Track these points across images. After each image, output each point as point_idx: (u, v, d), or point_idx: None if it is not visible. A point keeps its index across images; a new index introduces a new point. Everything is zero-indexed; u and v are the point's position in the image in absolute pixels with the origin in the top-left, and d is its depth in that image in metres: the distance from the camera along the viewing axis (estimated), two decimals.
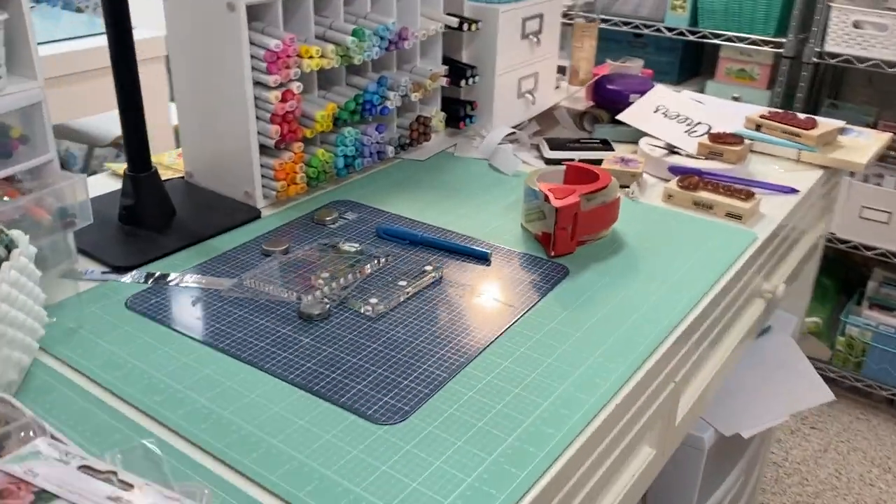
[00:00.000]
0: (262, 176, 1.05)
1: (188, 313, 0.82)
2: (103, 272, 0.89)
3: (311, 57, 1.02)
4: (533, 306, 0.85)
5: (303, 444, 0.65)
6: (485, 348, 0.78)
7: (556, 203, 0.93)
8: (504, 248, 0.98)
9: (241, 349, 0.76)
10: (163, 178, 1.13)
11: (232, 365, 0.74)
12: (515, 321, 0.82)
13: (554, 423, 0.68)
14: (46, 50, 1.84)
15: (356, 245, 0.94)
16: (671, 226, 1.05)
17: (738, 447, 1.32)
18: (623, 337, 0.80)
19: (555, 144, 1.29)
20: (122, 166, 1.16)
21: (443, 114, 1.30)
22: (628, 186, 1.16)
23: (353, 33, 1.06)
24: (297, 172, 1.06)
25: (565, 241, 0.95)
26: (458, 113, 1.32)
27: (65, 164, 2.73)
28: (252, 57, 0.98)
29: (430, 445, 0.65)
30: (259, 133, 1.02)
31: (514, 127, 1.35)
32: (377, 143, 1.18)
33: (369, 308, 0.82)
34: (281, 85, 1.01)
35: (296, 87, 1.02)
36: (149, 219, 0.99)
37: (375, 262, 0.91)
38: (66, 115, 2.34)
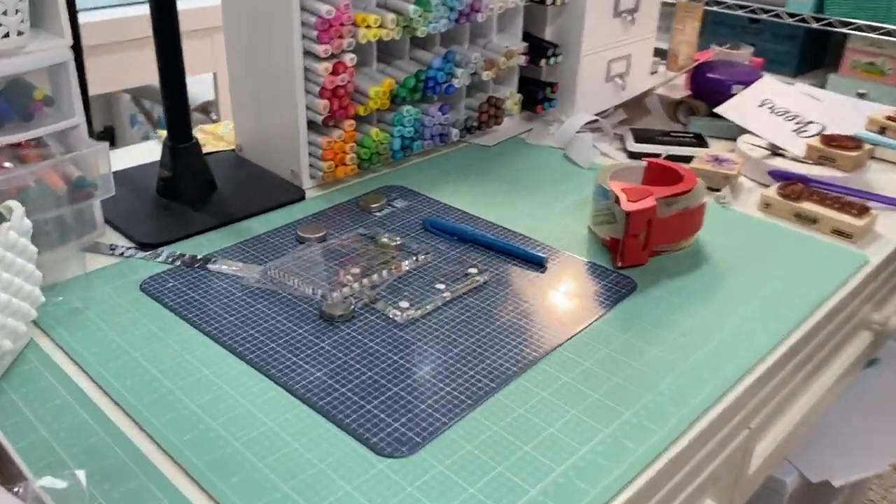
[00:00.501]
0: (310, 154, 0.97)
1: (203, 302, 0.74)
2: (127, 248, 0.84)
3: (367, 26, 0.93)
4: (588, 326, 0.74)
5: (291, 472, 0.56)
6: (521, 373, 0.67)
7: (626, 206, 0.81)
8: (564, 254, 0.86)
9: (249, 349, 0.68)
10: (213, 149, 1.07)
11: (235, 366, 0.66)
12: (563, 343, 0.71)
13: (590, 477, 0.57)
14: (126, 11, 1.82)
15: (397, 238, 0.84)
16: (765, 240, 0.91)
17: (827, 494, 1.17)
18: (691, 371, 0.68)
19: (641, 136, 1.15)
20: None
21: (518, 95, 1.18)
22: (720, 190, 1.01)
23: (417, 2, 0.96)
24: (347, 153, 0.98)
25: (635, 250, 0.83)
26: (536, 95, 1.20)
27: (156, 128, 2.75)
28: (303, 24, 0.90)
29: (435, 489, 0.55)
30: (307, 108, 0.94)
31: (597, 114, 1.22)
32: (440, 124, 1.08)
33: (398, 312, 0.73)
34: (332, 56, 0.92)
35: (349, 59, 0.93)
36: (185, 193, 0.93)
37: (413, 259, 0.81)
38: (152, 78, 2.35)
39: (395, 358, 0.68)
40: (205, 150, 1.07)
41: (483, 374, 0.66)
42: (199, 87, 2.44)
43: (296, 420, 0.61)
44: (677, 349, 0.71)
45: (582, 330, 0.73)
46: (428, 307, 0.75)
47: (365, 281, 0.76)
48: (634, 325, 0.74)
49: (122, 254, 0.82)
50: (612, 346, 0.71)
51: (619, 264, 0.83)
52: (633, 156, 1.12)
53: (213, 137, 1.11)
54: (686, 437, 0.61)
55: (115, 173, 0.99)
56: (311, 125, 0.96)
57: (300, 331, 0.71)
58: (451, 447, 0.59)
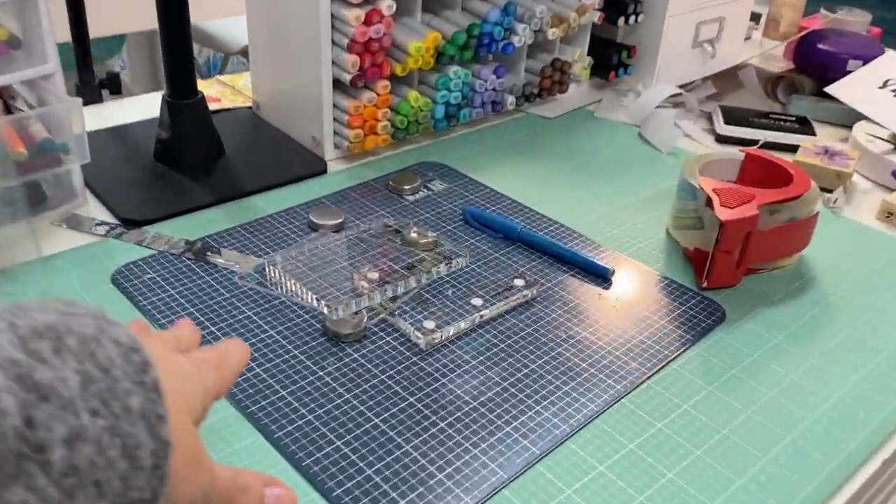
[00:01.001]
0: (335, 120, 0.82)
1: (182, 303, 0.60)
2: (107, 225, 0.70)
3: None
4: (661, 369, 0.57)
5: None
6: (570, 436, 0.51)
7: (722, 214, 0.63)
8: (635, 264, 0.69)
9: None
10: (229, 105, 0.92)
11: None
12: (627, 394, 0.55)
13: None
14: None
15: (430, 233, 0.68)
16: (889, 259, 0.73)
17: None
18: (794, 451, 0.51)
19: (733, 116, 0.96)
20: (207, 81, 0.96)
21: (589, 59, 1.00)
22: (830, 191, 0.83)
23: None
24: (379, 120, 0.82)
25: (727, 269, 0.66)
26: (610, 60, 1.02)
27: (202, 74, 2.61)
28: None
29: None
30: (334, 63, 0.78)
31: (681, 86, 1.03)
32: (493, 90, 0.91)
33: (420, 336, 0.58)
34: (365, 2, 0.75)
35: (385, 5, 0.76)
36: (185, 159, 0.78)
37: (445, 264, 0.65)
38: (196, 17, 2.21)
39: (412, 399, 0.53)
40: (219, 105, 0.92)
41: (520, 432, 0.51)
42: (240, 29, 2.29)
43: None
44: (778, 413, 0.54)
45: (652, 375, 0.57)
46: (458, 329, 0.59)
47: (384, 290, 0.61)
48: (721, 373, 0.57)
49: (104, 232, 0.69)
50: (692, 401, 0.55)
51: (705, 285, 0.66)
52: (722, 140, 0.94)
53: (230, 91, 0.96)
54: None
55: (112, 129, 0.86)
56: (338, 85, 0.80)
57: (296, 352, 0.56)
58: None
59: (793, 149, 0.92)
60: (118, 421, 0.24)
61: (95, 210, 0.72)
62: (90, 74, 0.91)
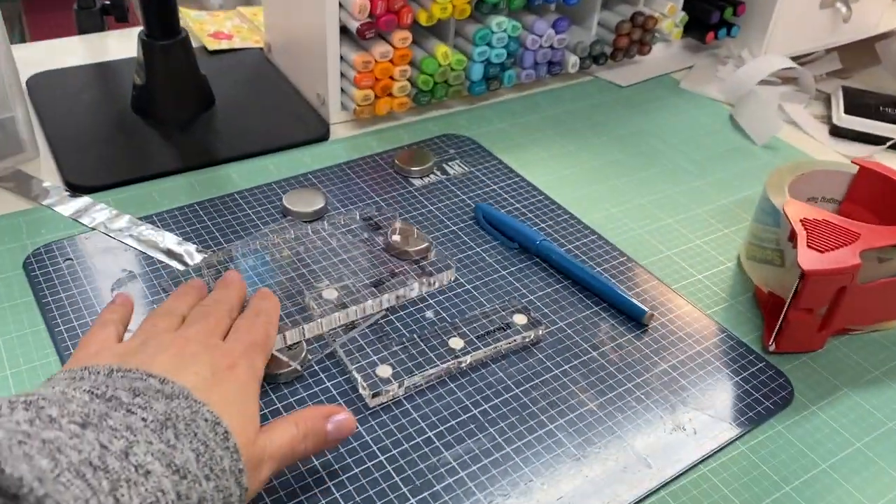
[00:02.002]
0: (343, 76, 0.67)
1: (89, 304, 0.49)
2: (55, 188, 0.59)
3: None
4: (681, 475, 0.42)
5: None
6: None
7: (805, 262, 0.46)
8: (684, 304, 0.53)
9: None
10: (240, 45, 0.79)
11: None
12: (637, 501, 0.40)
13: None
14: None
15: (423, 241, 0.54)
16: None
17: None
18: None
19: (858, 103, 0.75)
20: (202, 18, 0.84)
21: (683, 14, 0.81)
22: None
23: None
24: (396, 79, 0.67)
25: (805, 331, 0.49)
26: (709, 17, 0.82)
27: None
28: None
29: None
30: (341, 6, 0.63)
31: (797, 58, 0.82)
32: (551, 47, 0.73)
33: (365, 388, 0.44)
34: None
35: None
36: (161, 111, 0.66)
37: (426, 282, 0.51)
38: None
39: (343, 490, 0.40)
40: (230, 44, 0.79)
41: None
42: None
43: None
44: None
45: (667, 484, 0.41)
46: (422, 380, 0.45)
47: (338, 316, 0.48)
48: (770, 489, 0.41)
49: (48, 198, 0.58)
50: None
51: (772, 348, 0.49)
52: (839, 133, 0.74)
53: (248, 28, 0.83)
54: None
55: (98, 66, 0.74)
56: (346, 34, 0.65)
57: None
58: None
59: None
60: (220, 480, 0.31)
61: (46, 168, 0.61)
62: None
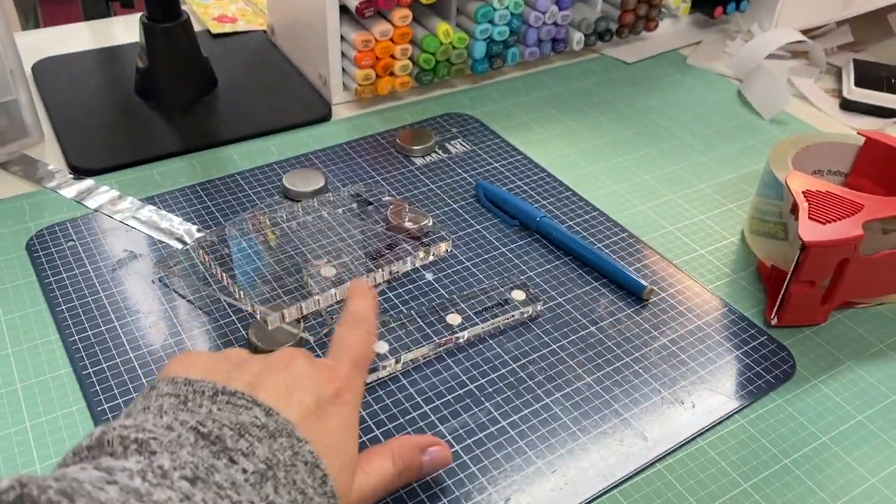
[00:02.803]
0: (344, 56, 0.67)
1: (91, 284, 0.49)
2: (59, 172, 0.59)
3: None
4: (678, 448, 0.41)
5: None
6: None
7: (806, 233, 0.45)
8: (687, 279, 0.52)
9: (109, 392, 0.43)
10: (244, 28, 0.80)
11: (72, 424, 0.41)
12: (625, 480, 0.40)
13: None
14: None
15: (424, 217, 0.54)
16: None
17: None
18: None
19: (869, 75, 0.74)
20: (206, 2, 0.84)
21: None
22: None
23: None
24: (397, 58, 0.66)
25: (808, 304, 0.48)
26: None
27: None
28: None
29: None
30: None
31: (807, 32, 0.81)
32: (555, 24, 0.73)
33: None
34: None
35: None
36: (163, 94, 0.67)
37: (423, 253, 0.51)
38: None
39: None
40: (234, 27, 0.79)
41: None
42: None
43: None
44: None
45: (665, 457, 0.41)
46: (419, 355, 0.45)
47: (338, 291, 0.48)
48: (769, 462, 0.41)
49: (55, 182, 0.58)
50: (724, 499, 0.39)
51: (774, 321, 0.49)
52: (850, 107, 0.72)
53: (252, 11, 0.83)
54: None
55: (103, 51, 0.75)
56: (346, 13, 0.65)
57: None
58: None
59: None
60: None
61: (51, 152, 0.62)
62: None
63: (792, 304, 0.47)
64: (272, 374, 0.33)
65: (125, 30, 0.81)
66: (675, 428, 0.42)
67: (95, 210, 0.55)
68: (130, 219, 0.55)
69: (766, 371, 0.46)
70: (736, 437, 0.42)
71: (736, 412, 0.43)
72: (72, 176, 0.59)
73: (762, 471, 0.41)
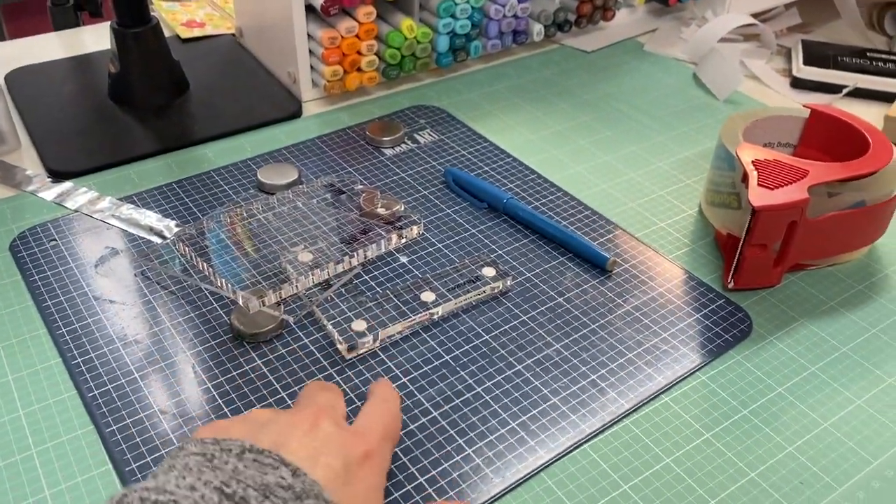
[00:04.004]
0: (312, 53, 0.69)
1: (76, 280, 0.51)
2: (37, 176, 0.61)
3: None
4: (638, 408, 0.44)
5: None
6: (500, 495, 0.39)
7: (755, 199, 0.48)
8: (647, 250, 0.55)
9: (98, 381, 0.44)
10: (213, 32, 0.81)
11: (68, 411, 0.43)
12: (585, 442, 0.42)
13: None
14: None
15: (396, 204, 0.56)
16: None
17: None
18: None
19: (817, 54, 0.77)
20: (174, 9, 0.85)
21: None
22: None
23: None
24: (364, 54, 0.69)
25: (761, 267, 0.51)
26: None
27: None
28: None
29: None
30: None
31: (758, 15, 0.84)
32: (515, 16, 0.75)
33: (341, 341, 0.46)
34: None
35: None
36: (136, 98, 0.68)
37: (396, 236, 0.53)
38: None
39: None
40: (203, 32, 0.81)
41: (438, 486, 0.39)
42: None
43: None
44: (793, 479, 0.40)
45: (630, 413, 0.43)
46: (397, 331, 0.48)
47: (313, 274, 0.50)
48: (728, 413, 0.44)
49: (34, 186, 0.60)
50: (679, 453, 0.41)
51: (731, 285, 0.51)
52: (800, 84, 0.76)
53: (220, 15, 0.85)
54: None
55: (74, 59, 0.76)
56: (313, 12, 0.67)
57: (189, 353, 0.46)
58: None
59: (891, 98, 0.73)
60: None
61: (28, 158, 0.63)
62: None
63: (746, 267, 0.50)
64: (298, 433, 0.33)
65: (94, 38, 0.82)
66: (641, 386, 0.45)
67: (75, 210, 0.57)
68: (110, 217, 0.56)
69: (725, 331, 0.49)
70: (698, 392, 0.45)
71: (697, 369, 0.46)
72: (50, 179, 0.60)
73: (723, 421, 0.43)
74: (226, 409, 0.43)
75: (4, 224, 0.56)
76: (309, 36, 0.68)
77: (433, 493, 0.39)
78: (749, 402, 0.44)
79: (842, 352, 0.48)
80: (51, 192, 0.59)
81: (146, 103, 0.68)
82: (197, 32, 0.81)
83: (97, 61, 0.75)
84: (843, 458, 0.41)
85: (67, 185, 0.60)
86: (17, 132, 0.64)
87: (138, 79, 0.68)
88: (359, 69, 0.69)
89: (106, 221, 0.56)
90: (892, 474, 0.41)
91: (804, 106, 0.58)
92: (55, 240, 0.54)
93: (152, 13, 0.67)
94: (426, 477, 0.39)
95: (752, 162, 0.51)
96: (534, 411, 0.43)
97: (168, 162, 0.63)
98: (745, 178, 0.51)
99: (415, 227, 0.54)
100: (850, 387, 0.45)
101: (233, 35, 0.81)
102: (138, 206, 0.58)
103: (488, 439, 0.41)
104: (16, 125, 0.64)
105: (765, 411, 0.44)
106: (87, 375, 0.44)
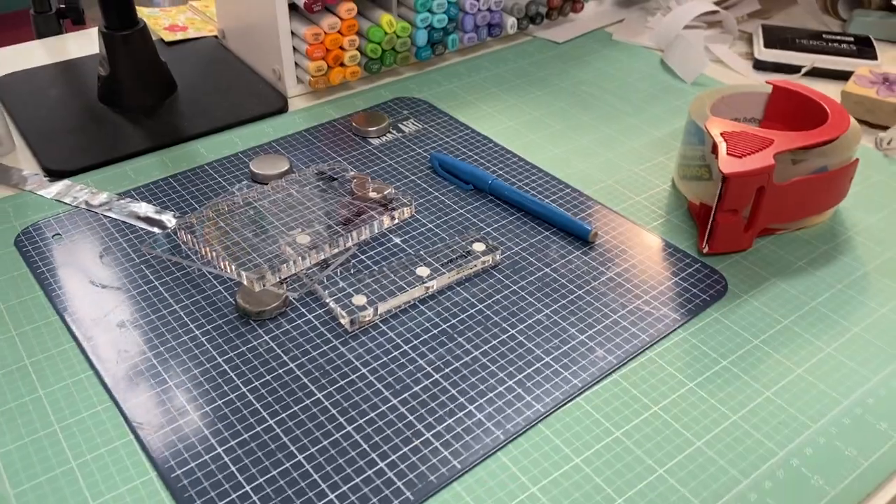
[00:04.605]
0: (296, 50, 0.71)
1: (83, 268, 0.53)
2: (34, 176, 0.62)
3: None
4: (625, 363, 0.47)
5: None
6: (502, 445, 0.42)
7: (725, 166, 0.51)
8: (626, 222, 0.58)
9: (110, 359, 0.46)
10: (195, 35, 0.83)
11: (85, 390, 0.45)
12: (578, 395, 0.45)
13: None
14: None
15: (387, 187, 0.59)
16: None
17: None
18: (787, 473, 0.41)
19: (776, 38, 0.82)
20: (155, 14, 0.87)
21: None
22: (885, 128, 0.69)
23: None
24: (346, 49, 0.71)
25: (733, 232, 0.54)
26: None
27: None
28: None
29: None
30: None
31: (719, 3, 0.88)
32: (489, 10, 0.78)
33: (344, 315, 0.49)
34: None
35: None
36: (126, 99, 0.70)
37: (388, 216, 0.56)
38: None
39: (322, 395, 0.44)
40: (185, 35, 0.83)
41: (451, 434, 0.42)
42: None
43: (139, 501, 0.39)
44: (772, 420, 0.43)
45: (619, 367, 0.46)
46: (396, 304, 0.50)
47: (313, 254, 0.52)
48: (709, 364, 0.47)
49: (32, 185, 0.61)
50: (665, 401, 0.44)
51: (705, 250, 0.55)
52: (762, 66, 0.80)
53: (201, 19, 0.87)
54: None
55: (61, 64, 0.78)
56: (298, 9, 0.70)
57: (198, 332, 0.48)
58: None
59: (846, 76, 0.77)
60: None
61: (24, 159, 0.65)
62: (45, 3, 0.83)
63: (719, 232, 0.54)
64: None
65: (78, 45, 0.84)
66: (626, 344, 0.48)
67: (75, 206, 0.59)
68: (109, 211, 0.58)
69: (702, 292, 0.52)
70: (680, 347, 0.48)
71: (679, 327, 0.49)
72: (48, 179, 0.62)
73: (705, 372, 0.46)
74: (238, 382, 0.45)
75: (7, 221, 0.57)
76: (292, 34, 0.70)
77: (439, 447, 0.41)
78: (728, 353, 0.48)
79: (810, 306, 0.51)
80: (50, 190, 0.60)
81: (136, 104, 0.70)
82: (180, 36, 0.83)
83: (83, 66, 0.77)
84: (817, 399, 0.45)
85: (66, 182, 0.61)
86: (11, 135, 0.65)
87: (128, 80, 0.69)
88: (342, 64, 0.72)
89: (106, 215, 0.58)
90: (860, 412, 0.44)
91: (767, 82, 0.62)
92: (59, 234, 0.56)
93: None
94: (432, 432, 0.42)
95: (721, 134, 0.54)
96: (528, 370, 0.46)
97: (162, 158, 0.65)
98: (714, 149, 0.54)
99: (406, 209, 0.56)
100: (819, 336, 0.49)
101: (215, 37, 0.83)
102: (137, 200, 0.60)
103: (488, 396, 0.44)
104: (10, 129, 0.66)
105: (743, 361, 0.47)
106: (101, 357, 0.46)
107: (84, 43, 0.84)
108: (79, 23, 0.84)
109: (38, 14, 0.84)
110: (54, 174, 0.62)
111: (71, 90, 0.73)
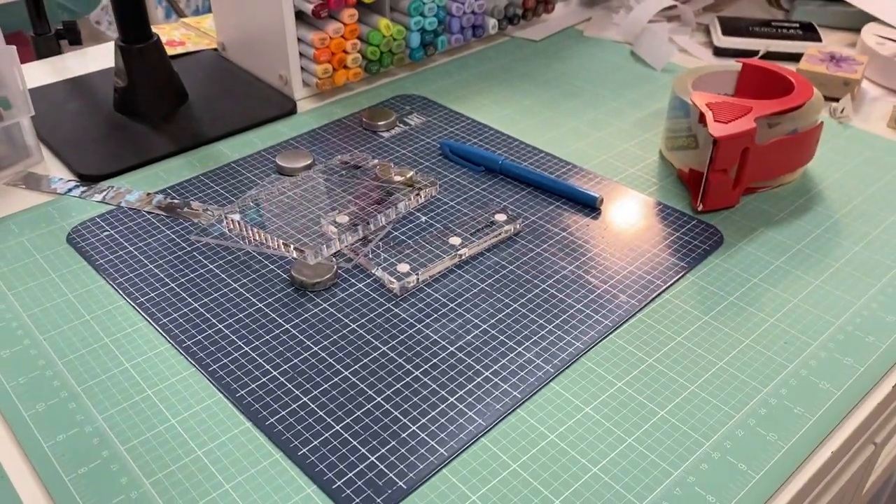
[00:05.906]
0: (302, 55, 0.76)
1: (141, 260, 0.57)
2: (68, 182, 0.66)
3: None
4: (649, 303, 0.53)
5: None
6: (550, 379, 0.48)
7: (715, 130, 0.58)
8: (626, 190, 0.65)
9: (187, 333, 0.50)
10: (194, 48, 0.87)
11: (167, 360, 0.49)
12: (612, 332, 0.51)
13: None
14: None
15: (409, 171, 0.64)
16: None
17: None
18: (796, 380, 0.48)
19: (732, 27, 0.90)
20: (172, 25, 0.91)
21: None
22: (837, 100, 0.77)
23: None
24: (349, 52, 0.77)
25: (723, 189, 0.61)
26: None
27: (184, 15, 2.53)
28: None
29: None
30: None
31: None
32: (473, 13, 0.85)
33: (393, 281, 0.54)
34: None
35: None
36: (145, 107, 0.74)
37: (415, 195, 0.61)
38: None
39: (385, 349, 0.49)
40: (184, 49, 0.87)
41: (500, 376, 0.47)
42: None
43: (237, 448, 0.43)
44: (780, 341, 0.50)
45: (643, 307, 0.53)
46: (435, 270, 0.55)
47: (356, 230, 0.57)
48: (718, 301, 0.53)
49: (64, 190, 0.65)
50: (686, 332, 0.51)
51: (700, 208, 0.62)
52: (721, 52, 0.88)
53: (195, 34, 0.91)
54: (800, 477, 0.42)
55: (71, 80, 0.81)
56: (302, 17, 0.75)
57: (261, 305, 0.53)
58: (447, 499, 0.41)
59: (796, 58, 0.86)
60: None
61: (53, 167, 0.68)
62: (45, 25, 0.86)
63: (712, 190, 0.61)
64: None
65: (78, 63, 0.87)
66: (645, 289, 0.54)
67: (118, 206, 0.62)
68: (152, 208, 0.62)
69: (702, 243, 0.59)
70: (691, 289, 0.54)
71: (687, 272, 0.56)
72: (80, 183, 0.65)
73: (715, 307, 0.53)
74: (308, 343, 0.50)
75: (55, 222, 0.61)
76: (299, 40, 0.75)
77: (499, 382, 0.47)
78: (733, 291, 0.54)
79: (797, 248, 0.58)
80: (89, 192, 0.64)
81: (154, 112, 0.74)
82: (179, 50, 0.87)
83: (92, 81, 0.80)
84: (813, 322, 0.52)
85: (103, 184, 0.65)
86: (39, 145, 0.69)
87: (145, 90, 0.73)
88: (345, 66, 0.77)
89: (149, 212, 0.62)
90: (851, 329, 0.51)
91: (736, 61, 0.70)
92: (108, 230, 0.60)
93: None
94: (490, 371, 0.48)
95: (706, 104, 0.61)
96: (564, 315, 0.52)
97: (188, 159, 0.69)
98: (702, 118, 0.61)
99: (431, 188, 0.62)
100: (808, 272, 0.56)
101: (214, 50, 0.87)
102: (173, 196, 0.64)
103: (532, 339, 0.50)
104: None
105: (746, 297, 0.54)
106: (177, 331, 0.50)
107: (84, 61, 0.87)
108: (75, 43, 0.87)
109: (38, 36, 0.87)
110: (88, 179, 0.66)
111: (87, 103, 0.76)
